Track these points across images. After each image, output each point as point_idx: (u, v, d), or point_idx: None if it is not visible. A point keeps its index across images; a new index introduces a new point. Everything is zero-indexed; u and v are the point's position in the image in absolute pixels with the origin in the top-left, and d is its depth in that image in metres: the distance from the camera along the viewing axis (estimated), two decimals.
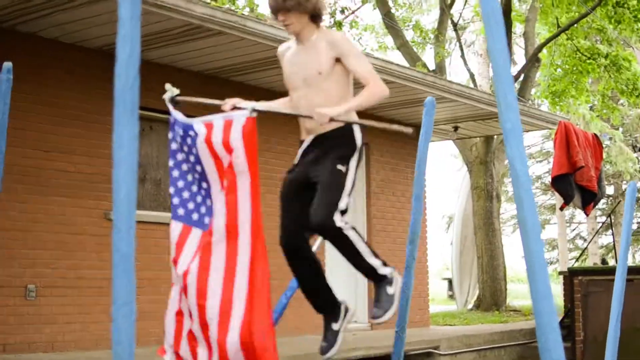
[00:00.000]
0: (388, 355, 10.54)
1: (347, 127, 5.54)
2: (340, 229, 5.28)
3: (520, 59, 24.07)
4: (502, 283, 21.50)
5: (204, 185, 5.20)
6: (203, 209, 5.25)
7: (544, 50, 23.12)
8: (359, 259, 5.45)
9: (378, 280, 5.53)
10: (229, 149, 4.83)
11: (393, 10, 23.93)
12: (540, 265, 3.36)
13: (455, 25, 23.96)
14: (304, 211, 5.52)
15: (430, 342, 12.61)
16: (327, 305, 5.84)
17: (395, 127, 5.43)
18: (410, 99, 13.97)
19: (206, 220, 5.17)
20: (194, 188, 5.34)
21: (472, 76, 23.16)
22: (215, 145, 4.89)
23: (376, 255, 5.52)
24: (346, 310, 5.87)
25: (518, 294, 31.29)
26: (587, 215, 14.53)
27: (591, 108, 28.06)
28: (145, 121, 11.28)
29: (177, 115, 5.21)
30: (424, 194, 6.87)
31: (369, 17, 43.34)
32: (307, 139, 5.65)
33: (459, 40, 24.09)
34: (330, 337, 5.84)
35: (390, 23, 22.65)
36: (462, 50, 23.71)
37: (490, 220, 21.47)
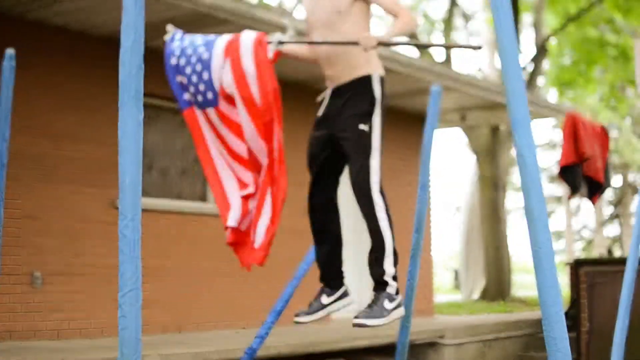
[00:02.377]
0: (393, 344, 10.55)
1: (366, 78, 5.50)
2: (372, 199, 5.39)
3: (529, 49, 24.02)
4: (507, 273, 21.52)
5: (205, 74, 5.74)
6: (202, 87, 5.75)
7: (553, 40, 23.09)
8: (378, 246, 5.37)
9: (379, 288, 5.42)
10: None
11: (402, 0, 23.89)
12: (546, 256, 3.35)
13: (463, 14, 23.92)
14: (331, 169, 5.64)
15: (435, 332, 12.59)
16: (330, 277, 5.76)
17: (461, 43, 5.48)
18: (418, 88, 13.95)
19: (209, 95, 5.75)
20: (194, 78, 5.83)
21: (479, 66, 23.13)
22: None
23: (396, 264, 5.42)
24: (345, 294, 5.77)
25: (524, 284, 31.30)
26: (594, 204, 14.50)
27: (599, 99, 28.01)
28: (152, 109, 11.27)
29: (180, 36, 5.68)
30: (429, 182, 6.85)
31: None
32: (326, 96, 5.62)
33: (467, 29, 24.05)
34: (313, 305, 5.70)
35: None
36: (470, 40, 23.67)
37: (496, 211, 21.47)
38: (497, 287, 21.23)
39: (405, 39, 5.07)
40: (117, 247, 3.11)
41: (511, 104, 3.49)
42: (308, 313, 5.64)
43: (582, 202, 37.16)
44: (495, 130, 21.27)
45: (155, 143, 11.59)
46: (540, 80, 24.77)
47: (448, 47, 5.63)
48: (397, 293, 5.39)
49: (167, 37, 5.87)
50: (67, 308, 10.33)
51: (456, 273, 31.12)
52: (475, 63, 23.26)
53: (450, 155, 45.30)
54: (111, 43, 10.69)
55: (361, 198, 5.38)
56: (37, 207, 10.16)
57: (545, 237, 3.35)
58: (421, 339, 12.09)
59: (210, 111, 5.78)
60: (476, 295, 23.25)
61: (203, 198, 12.11)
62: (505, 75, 3.54)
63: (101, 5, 9.79)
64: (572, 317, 13.50)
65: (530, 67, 21.67)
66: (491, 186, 21.50)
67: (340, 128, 5.46)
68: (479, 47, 5.06)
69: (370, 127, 5.45)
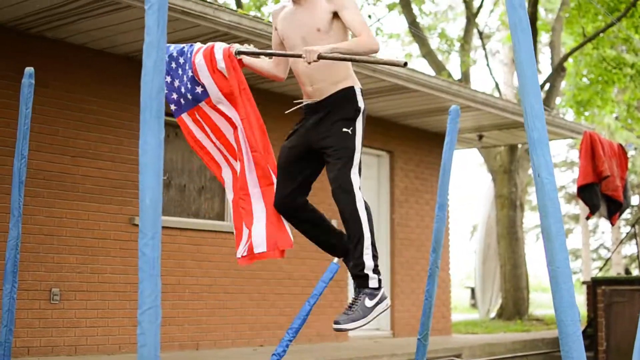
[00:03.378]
0: None
1: (348, 91, 5.52)
2: (353, 196, 5.33)
3: (546, 68, 24.01)
4: (524, 292, 21.46)
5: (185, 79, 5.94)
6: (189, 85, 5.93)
7: (570, 60, 23.06)
8: (357, 238, 5.34)
9: (360, 284, 5.33)
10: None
11: (419, 19, 23.92)
12: (564, 275, 3.36)
13: (480, 34, 23.94)
14: (302, 176, 5.61)
15: (452, 350, 12.58)
16: (342, 249, 5.64)
17: (385, 59, 5.38)
18: (435, 107, 13.97)
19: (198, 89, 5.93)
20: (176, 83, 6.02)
21: (497, 85, 23.13)
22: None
23: (375, 258, 5.35)
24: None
25: (540, 303, 31.18)
26: (613, 224, 14.49)
27: (616, 118, 27.92)
28: (171, 127, 11.32)
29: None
30: (447, 202, 6.85)
31: (395, 25, 43.46)
32: (306, 111, 5.66)
33: (484, 48, 24.06)
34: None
35: (416, 31, 22.65)
36: (487, 59, 23.68)
37: (514, 229, 21.43)
38: (514, 306, 21.18)
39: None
40: (135, 264, 3.14)
41: (529, 123, 3.50)
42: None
43: (600, 221, 37.03)
44: (512, 149, 21.25)
45: (173, 161, 11.64)
46: (557, 100, 24.73)
47: (375, 63, 5.67)
48: (379, 287, 5.32)
49: None
50: (85, 324, 10.36)
51: (472, 291, 31.02)
52: (492, 82, 23.18)
53: (465, 174, 45.23)
54: (131, 61, 10.76)
55: (341, 192, 5.35)
56: (55, 224, 10.21)
57: (562, 256, 3.36)
58: (439, 357, 12.08)
59: (203, 105, 5.93)
60: (493, 313, 23.19)
61: (221, 216, 12.15)
62: (523, 95, 3.55)
63: (121, 24, 9.85)
64: (590, 336, 13.49)
65: (547, 87, 21.64)
66: (508, 205, 21.47)
67: (322, 135, 5.47)
68: (405, 64, 5.07)
69: (353, 131, 5.45)
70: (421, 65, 30.78)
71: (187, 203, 11.82)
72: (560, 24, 23.74)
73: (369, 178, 14.87)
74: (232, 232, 11.46)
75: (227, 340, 11.82)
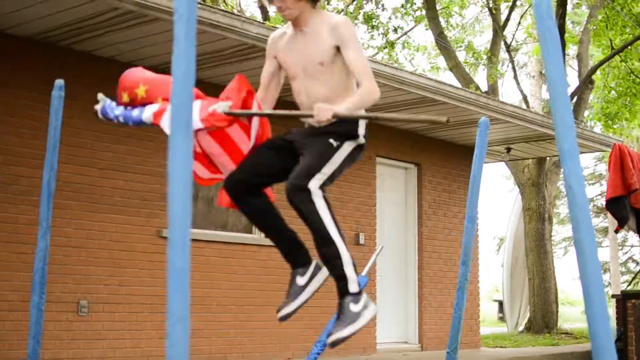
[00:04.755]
0: None
1: (352, 122, 5.05)
2: (309, 192, 4.79)
3: (573, 81, 23.95)
4: (553, 305, 21.35)
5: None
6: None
7: (598, 72, 22.98)
8: (327, 243, 4.87)
9: (341, 294, 4.94)
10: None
11: (446, 32, 23.90)
12: (596, 287, 3.32)
13: (508, 46, 23.88)
14: (269, 166, 5.15)
15: None
16: (293, 255, 5.23)
17: (424, 117, 4.77)
18: (463, 120, 13.94)
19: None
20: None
21: (524, 97, 23.06)
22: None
23: (353, 265, 4.93)
24: (317, 267, 5.22)
25: (568, 317, 31.02)
26: None
27: None
28: None
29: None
30: (476, 215, 6.81)
31: (422, 37, 43.44)
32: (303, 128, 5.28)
33: (511, 61, 24.01)
34: (292, 292, 5.18)
35: (443, 44, 22.63)
36: (514, 71, 23.63)
37: (542, 242, 21.35)
38: (543, 319, 21.07)
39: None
40: (162, 277, 3.13)
41: (560, 134, 3.47)
42: (289, 302, 5.15)
43: (629, 235, 36.81)
44: (540, 161, 21.18)
45: None
46: (585, 113, 24.64)
47: (417, 122, 5.30)
48: (359, 293, 4.94)
49: (98, 107, 5.53)
50: (112, 336, 10.38)
51: (500, 305, 30.90)
52: (519, 95, 23.11)
53: (491, 187, 45.10)
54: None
55: (290, 186, 4.82)
56: (84, 237, 10.25)
57: (595, 268, 3.32)
58: None
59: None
60: (521, 327, 23.08)
61: (248, 228, 12.15)
62: (554, 105, 3.52)
63: (149, 37, 9.89)
64: (619, 350, 13.40)
65: (575, 100, 21.56)
66: (536, 218, 21.39)
67: (308, 141, 5.06)
68: (447, 120, 4.51)
69: (339, 146, 4.99)
70: (448, 78, 30.71)
71: (214, 215, 11.84)
72: (588, 36, 23.68)
73: (396, 191, 14.85)
74: (260, 245, 11.46)
75: (255, 353, 11.82)
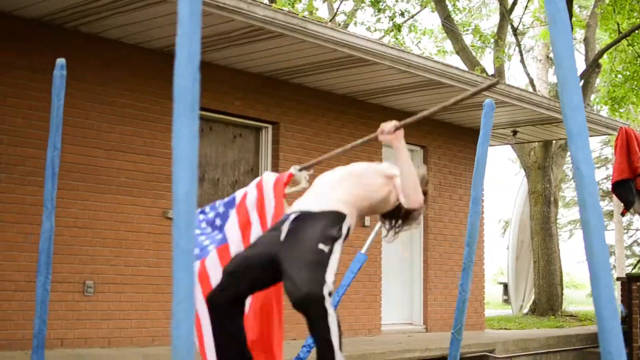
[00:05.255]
0: (444, 357, 10.52)
1: (340, 212, 4.89)
2: (323, 299, 4.43)
3: (580, 65, 23.88)
4: (558, 288, 21.37)
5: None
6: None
7: (605, 56, 22.91)
8: (325, 347, 4.53)
9: None
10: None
11: (452, 15, 23.82)
12: (603, 269, 3.32)
13: (515, 30, 23.81)
14: (251, 281, 5.07)
15: (485, 345, 12.54)
16: None
17: (474, 90, 5.23)
18: (469, 102, 13.89)
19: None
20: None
21: (531, 81, 23.01)
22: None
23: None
24: None
25: (573, 299, 31.04)
26: None
27: None
28: (205, 122, 11.35)
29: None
30: (482, 196, 6.81)
31: (428, 21, 43.31)
32: (288, 218, 4.98)
33: (518, 45, 23.92)
34: None
35: (450, 27, 22.56)
36: (521, 55, 23.55)
37: (548, 225, 21.34)
38: (548, 302, 21.09)
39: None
40: (168, 257, 3.13)
41: (568, 116, 3.45)
42: None
43: (634, 218, 36.78)
44: (547, 145, 21.14)
45: (207, 155, 11.66)
46: (592, 97, 24.59)
47: (472, 95, 5.42)
48: None
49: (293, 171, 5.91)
50: (118, 316, 10.41)
51: (505, 287, 30.93)
52: (526, 79, 23.05)
53: (496, 171, 45.05)
54: (166, 55, 10.78)
55: (304, 297, 4.44)
56: (90, 217, 10.26)
57: (602, 249, 3.32)
58: (472, 352, 12.06)
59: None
60: (526, 309, 23.12)
61: None
62: (562, 87, 3.50)
63: (155, 18, 9.87)
64: (624, 333, 13.40)
65: (581, 84, 21.50)
66: (542, 201, 21.38)
67: (294, 242, 4.76)
68: (494, 83, 4.89)
69: (330, 251, 4.67)
70: (455, 62, 30.63)
71: (220, 197, 11.84)
72: (595, 20, 23.59)
73: None
74: None
75: None
